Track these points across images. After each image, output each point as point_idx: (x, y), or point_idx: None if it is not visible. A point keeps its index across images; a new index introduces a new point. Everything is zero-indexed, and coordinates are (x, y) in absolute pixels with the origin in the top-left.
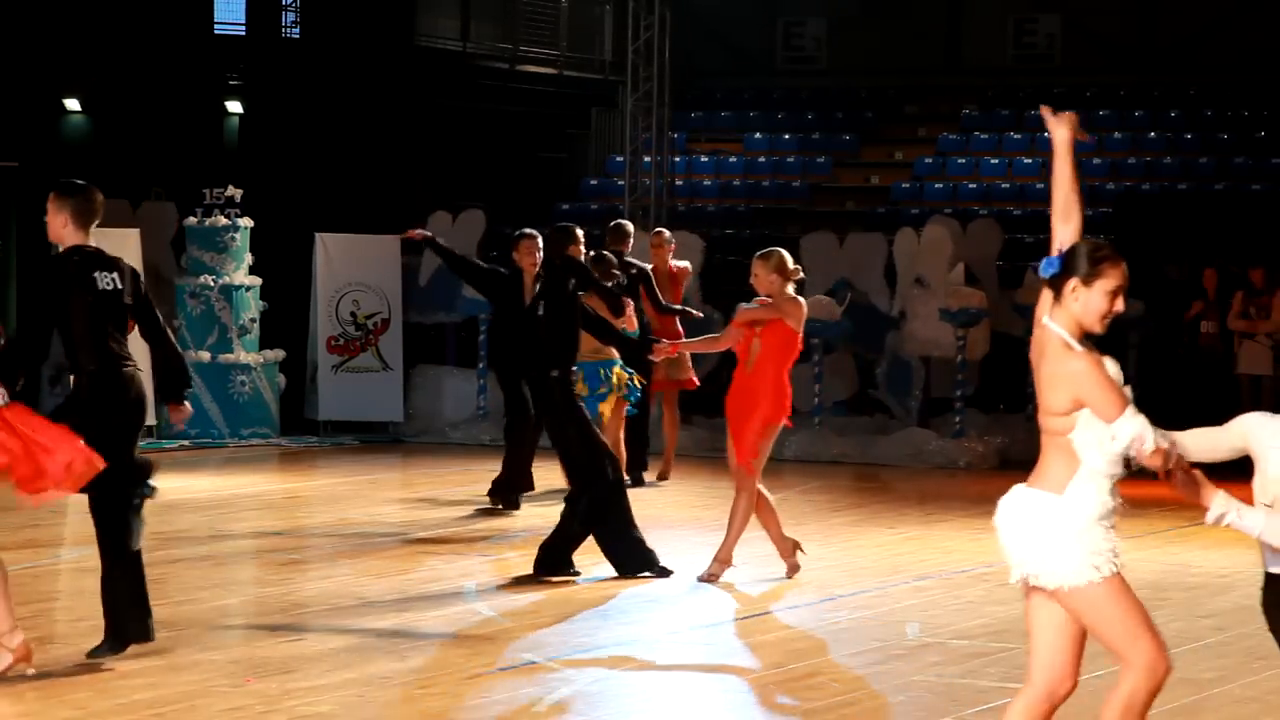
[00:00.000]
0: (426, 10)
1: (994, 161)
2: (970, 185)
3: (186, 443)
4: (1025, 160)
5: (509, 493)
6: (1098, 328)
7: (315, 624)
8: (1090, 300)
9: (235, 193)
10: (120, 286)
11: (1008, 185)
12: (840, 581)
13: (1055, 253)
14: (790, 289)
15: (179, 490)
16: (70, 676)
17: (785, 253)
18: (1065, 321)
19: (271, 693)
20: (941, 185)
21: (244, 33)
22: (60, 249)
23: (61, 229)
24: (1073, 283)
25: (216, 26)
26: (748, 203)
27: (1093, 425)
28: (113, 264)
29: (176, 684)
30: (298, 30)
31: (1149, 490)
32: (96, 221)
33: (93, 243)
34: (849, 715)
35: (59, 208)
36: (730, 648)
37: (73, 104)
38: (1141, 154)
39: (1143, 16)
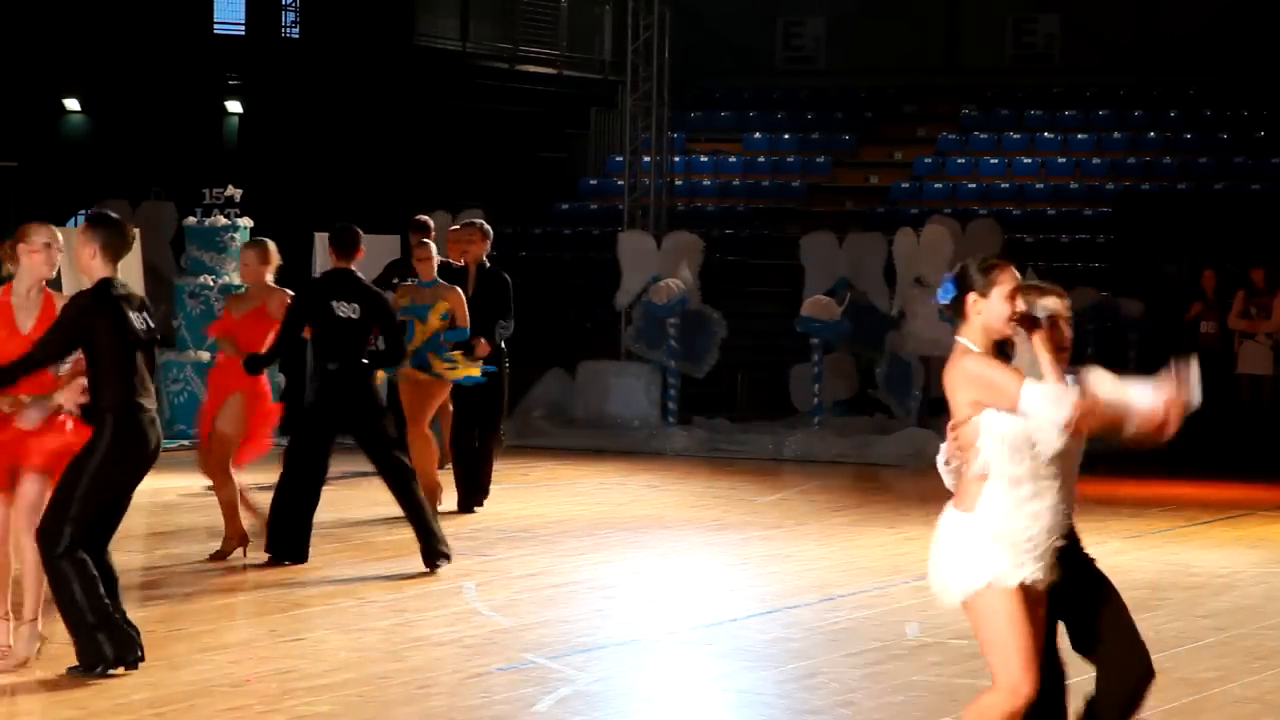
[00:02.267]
0: (426, 10)
1: (993, 161)
2: (969, 185)
3: (186, 443)
4: (1025, 160)
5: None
6: (1006, 330)
7: (315, 624)
8: (991, 308)
9: (235, 193)
10: (151, 326)
11: (1007, 185)
12: (840, 581)
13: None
14: (269, 277)
15: (178, 490)
16: (70, 676)
17: (271, 243)
18: (974, 335)
19: (271, 693)
20: (941, 185)
21: (244, 33)
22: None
23: (90, 260)
24: (972, 297)
25: (216, 26)
26: (747, 203)
27: (990, 428)
28: (142, 303)
29: (176, 684)
30: (297, 30)
31: (1149, 490)
32: (125, 255)
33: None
34: (849, 715)
35: (88, 239)
36: (730, 647)
37: (72, 104)
38: (1141, 154)
39: (1142, 16)
